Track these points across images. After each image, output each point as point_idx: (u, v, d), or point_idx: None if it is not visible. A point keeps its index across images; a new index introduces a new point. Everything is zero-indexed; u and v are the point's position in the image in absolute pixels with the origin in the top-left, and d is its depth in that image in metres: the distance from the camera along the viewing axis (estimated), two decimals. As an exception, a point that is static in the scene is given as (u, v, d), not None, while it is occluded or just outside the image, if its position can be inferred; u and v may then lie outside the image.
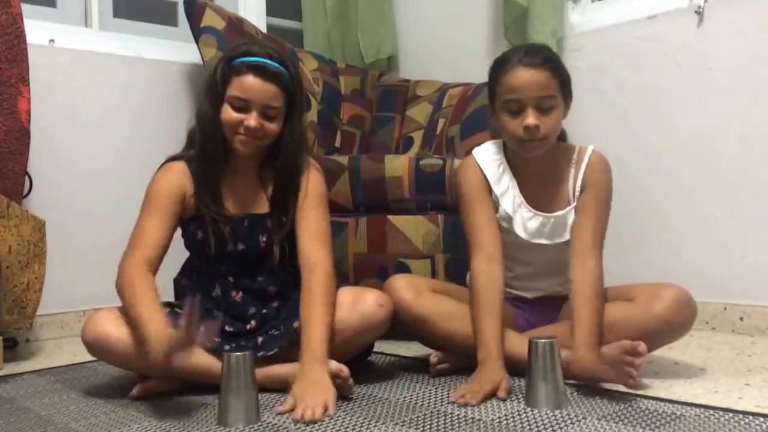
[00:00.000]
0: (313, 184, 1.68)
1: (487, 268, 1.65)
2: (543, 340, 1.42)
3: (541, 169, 1.72)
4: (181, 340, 1.31)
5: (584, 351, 1.53)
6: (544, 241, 1.71)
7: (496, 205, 1.72)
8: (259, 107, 1.58)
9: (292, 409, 1.37)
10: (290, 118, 1.64)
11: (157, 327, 1.38)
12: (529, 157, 1.68)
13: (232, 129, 1.60)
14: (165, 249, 1.60)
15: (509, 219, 1.71)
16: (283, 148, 1.65)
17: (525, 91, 1.59)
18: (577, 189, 1.70)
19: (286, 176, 1.66)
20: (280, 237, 1.65)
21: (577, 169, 1.71)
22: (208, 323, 1.36)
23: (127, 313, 1.51)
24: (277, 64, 1.60)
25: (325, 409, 1.36)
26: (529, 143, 1.63)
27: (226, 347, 1.56)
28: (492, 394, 1.48)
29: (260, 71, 1.58)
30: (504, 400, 1.47)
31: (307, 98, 2.64)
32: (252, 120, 1.57)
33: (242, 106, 1.58)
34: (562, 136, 1.78)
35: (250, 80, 1.57)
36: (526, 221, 1.71)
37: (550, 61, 1.63)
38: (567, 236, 1.70)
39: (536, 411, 1.38)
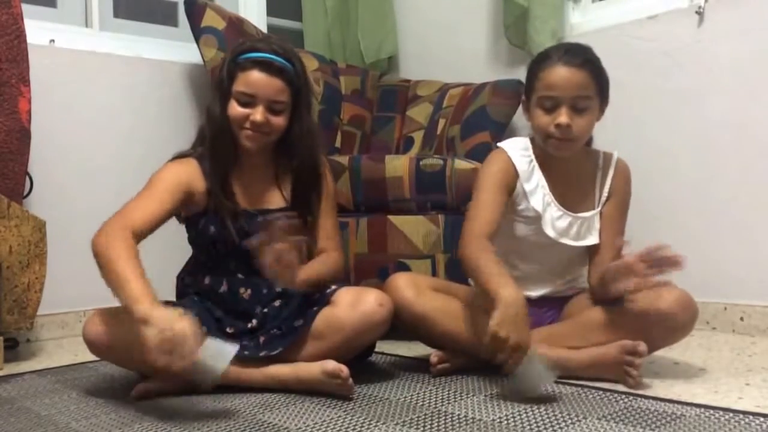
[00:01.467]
0: (330, 185, 1.80)
1: (481, 241, 1.61)
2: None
3: (568, 169, 1.72)
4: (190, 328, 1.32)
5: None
6: (569, 242, 1.72)
7: (517, 201, 1.71)
8: (265, 102, 1.60)
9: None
10: (298, 113, 1.66)
11: (154, 307, 1.35)
12: (557, 157, 1.68)
13: (239, 124, 1.62)
14: (152, 230, 1.56)
15: (538, 217, 1.70)
16: (296, 143, 1.67)
17: (562, 89, 1.59)
18: (604, 195, 1.73)
19: (308, 174, 1.71)
20: (303, 233, 1.68)
21: (604, 174, 1.73)
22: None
23: (105, 274, 1.43)
24: (282, 59, 1.61)
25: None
26: (558, 142, 1.62)
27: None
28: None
29: (265, 66, 1.60)
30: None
31: (307, 98, 2.65)
32: (258, 114, 1.59)
33: (248, 101, 1.60)
34: (588, 141, 1.78)
35: (255, 75, 1.59)
36: (555, 220, 1.71)
37: (590, 62, 1.62)
38: (592, 239, 1.72)
39: (538, 410, 1.38)
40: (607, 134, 2.49)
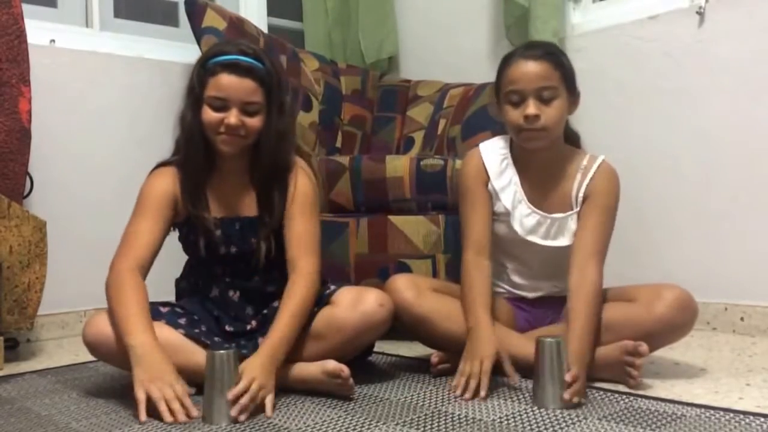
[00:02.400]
0: (300, 186, 1.66)
1: (475, 258, 1.69)
2: (550, 340, 1.42)
3: (546, 168, 1.72)
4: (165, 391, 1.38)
5: (579, 358, 1.48)
6: (538, 240, 1.72)
7: (493, 200, 1.73)
8: (238, 104, 1.57)
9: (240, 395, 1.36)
10: (269, 112, 1.61)
11: (144, 353, 1.41)
12: (534, 152, 1.69)
13: (214, 129, 1.58)
14: (156, 251, 1.60)
15: (507, 214, 1.72)
16: (262, 141, 1.62)
17: (525, 81, 1.62)
18: (581, 195, 1.70)
19: (269, 172, 1.65)
20: (264, 235, 1.64)
21: (583, 176, 1.71)
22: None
23: (111, 314, 1.52)
24: (251, 59, 1.58)
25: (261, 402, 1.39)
26: (529, 133, 1.64)
27: (226, 347, 1.56)
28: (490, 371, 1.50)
29: (234, 68, 1.56)
30: (511, 379, 1.51)
31: (308, 98, 2.64)
32: (232, 117, 1.56)
33: (220, 105, 1.57)
34: (576, 141, 1.79)
35: (225, 78, 1.56)
36: (523, 217, 1.72)
37: (550, 54, 1.66)
38: (566, 241, 1.70)
39: (538, 410, 1.38)
40: (607, 134, 2.50)
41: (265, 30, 2.94)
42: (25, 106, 2.09)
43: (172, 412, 1.36)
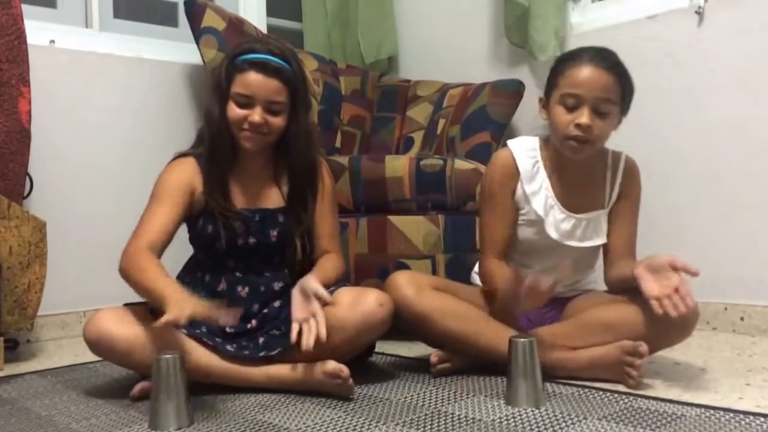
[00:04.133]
0: (328, 186, 1.77)
1: (496, 262, 1.70)
2: (522, 340, 1.43)
3: (576, 169, 1.71)
4: (204, 309, 1.40)
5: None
6: (574, 243, 1.72)
7: (519, 205, 1.71)
8: (263, 103, 1.60)
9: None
10: (295, 113, 1.66)
11: (175, 290, 1.44)
12: (567, 158, 1.67)
13: (238, 125, 1.62)
14: (170, 237, 1.61)
15: (540, 220, 1.70)
16: (293, 143, 1.67)
17: (587, 88, 1.58)
18: (614, 195, 1.72)
19: (302, 172, 1.71)
20: (299, 233, 1.70)
21: (613, 174, 1.72)
22: (231, 309, 1.46)
23: (135, 287, 1.53)
24: (279, 60, 1.61)
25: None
26: (575, 143, 1.61)
27: (228, 347, 1.56)
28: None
29: (262, 67, 1.60)
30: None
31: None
32: (256, 115, 1.60)
33: (246, 102, 1.61)
34: None
35: (252, 76, 1.59)
36: (559, 223, 1.71)
37: (619, 66, 1.62)
38: (599, 240, 1.72)
39: (538, 411, 1.38)
40: (608, 134, 2.50)
41: (265, 30, 2.94)
42: (25, 106, 2.09)
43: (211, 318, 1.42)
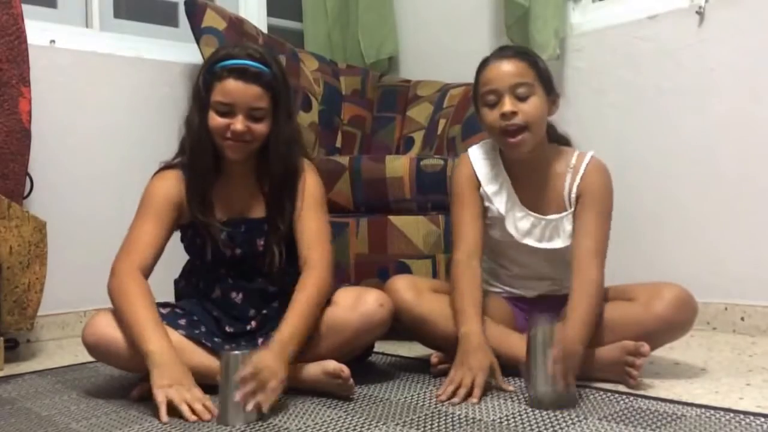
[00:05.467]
0: (310, 186, 1.67)
1: (465, 260, 1.68)
2: (542, 327, 1.41)
3: (535, 170, 1.71)
4: (180, 394, 1.39)
5: (571, 345, 1.47)
6: (532, 243, 1.71)
7: (485, 204, 1.73)
8: (244, 110, 1.56)
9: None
10: (276, 117, 1.61)
11: (161, 349, 1.44)
12: (519, 155, 1.67)
13: (220, 135, 1.58)
14: (158, 254, 1.60)
15: (501, 218, 1.71)
16: (272, 149, 1.62)
17: (499, 80, 1.62)
18: (573, 195, 1.69)
19: (280, 178, 1.65)
20: (276, 240, 1.64)
21: (573, 175, 1.69)
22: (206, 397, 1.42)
23: (120, 318, 1.52)
24: (258, 64, 1.57)
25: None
26: (510, 138, 1.62)
27: (227, 347, 1.56)
28: (482, 384, 1.48)
29: (241, 73, 1.55)
30: (504, 390, 1.50)
31: (307, 99, 2.64)
32: (238, 124, 1.55)
33: (227, 110, 1.56)
34: (564, 140, 1.78)
35: (232, 84, 1.55)
36: (517, 220, 1.72)
37: (522, 53, 1.68)
38: (561, 243, 1.70)
39: (538, 411, 1.38)
40: (607, 134, 2.50)
41: (265, 30, 2.94)
42: (25, 106, 2.09)
43: (195, 412, 1.37)
